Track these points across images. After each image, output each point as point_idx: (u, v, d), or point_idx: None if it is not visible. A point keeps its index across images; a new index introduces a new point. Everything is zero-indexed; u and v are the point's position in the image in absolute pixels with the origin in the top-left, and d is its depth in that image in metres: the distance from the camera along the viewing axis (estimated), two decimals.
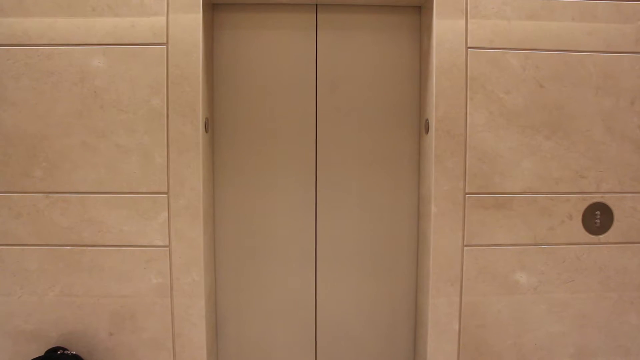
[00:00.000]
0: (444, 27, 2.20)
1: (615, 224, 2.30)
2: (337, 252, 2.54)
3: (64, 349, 2.19)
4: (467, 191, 2.24)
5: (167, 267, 2.22)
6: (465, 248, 2.27)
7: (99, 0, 2.13)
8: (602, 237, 2.30)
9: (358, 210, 2.53)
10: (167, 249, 2.21)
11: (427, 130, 2.33)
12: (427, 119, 2.33)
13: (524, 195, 2.27)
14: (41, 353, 2.20)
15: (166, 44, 2.15)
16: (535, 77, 2.23)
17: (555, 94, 2.24)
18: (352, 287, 2.56)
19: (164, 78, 2.16)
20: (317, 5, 2.49)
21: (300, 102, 2.42)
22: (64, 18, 2.14)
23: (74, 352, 2.20)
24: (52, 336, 2.24)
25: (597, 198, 2.29)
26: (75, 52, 2.15)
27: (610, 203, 2.29)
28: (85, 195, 2.19)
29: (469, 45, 2.20)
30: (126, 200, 2.19)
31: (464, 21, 2.19)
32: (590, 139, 2.27)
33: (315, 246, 2.55)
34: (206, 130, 2.28)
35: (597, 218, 2.29)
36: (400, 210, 2.53)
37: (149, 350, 2.26)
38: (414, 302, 2.57)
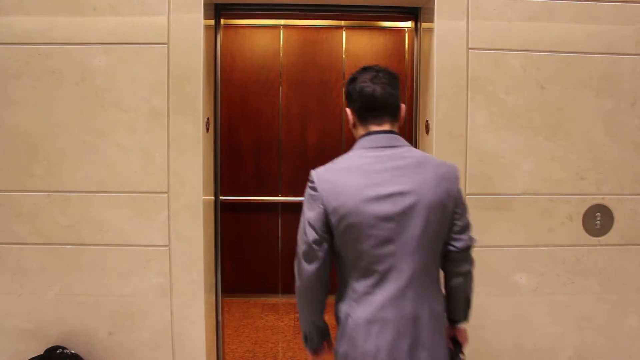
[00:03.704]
0: (445, 28, 2.20)
1: (616, 225, 2.29)
2: None
3: (63, 347, 2.19)
4: (467, 192, 2.24)
5: (167, 267, 2.22)
6: None
7: None
8: (602, 239, 2.30)
9: None
10: (167, 248, 2.21)
11: (427, 130, 2.33)
12: (427, 120, 2.33)
13: (524, 197, 2.27)
14: (40, 352, 2.20)
15: (167, 43, 2.15)
16: (536, 78, 2.23)
17: (555, 95, 2.24)
18: None
19: (165, 78, 2.16)
20: (317, 7, 2.49)
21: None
22: (65, 17, 2.14)
23: (73, 351, 2.20)
24: (51, 335, 2.24)
25: (597, 200, 2.29)
26: (76, 51, 2.15)
27: (610, 205, 2.29)
28: (86, 194, 2.19)
29: (470, 46, 2.20)
30: (126, 199, 2.19)
31: (465, 22, 2.19)
32: (591, 140, 2.27)
33: None
34: (207, 130, 2.29)
35: (597, 220, 2.29)
36: None
37: (148, 350, 2.25)
38: None
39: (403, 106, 1.50)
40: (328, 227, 1.38)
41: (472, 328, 2.29)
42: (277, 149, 4.07)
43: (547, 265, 2.30)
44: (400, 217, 1.35)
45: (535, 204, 2.27)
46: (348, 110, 1.49)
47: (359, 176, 1.37)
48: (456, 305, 1.53)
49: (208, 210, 2.34)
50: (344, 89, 1.51)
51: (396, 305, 1.36)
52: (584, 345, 2.35)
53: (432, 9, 2.22)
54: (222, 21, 2.49)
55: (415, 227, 1.36)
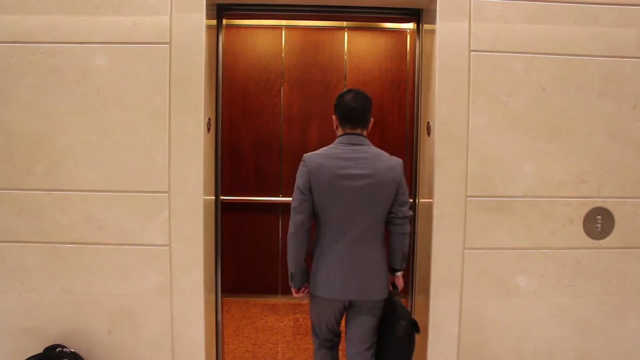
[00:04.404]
0: (447, 29, 2.20)
1: (617, 228, 2.29)
2: None
3: (62, 346, 2.19)
4: (468, 194, 2.24)
5: (167, 266, 2.22)
6: (465, 251, 2.26)
7: None
8: (603, 242, 2.30)
9: None
10: (168, 248, 2.21)
11: (429, 132, 2.33)
12: (428, 122, 2.33)
13: (525, 199, 2.26)
14: (40, 350, 2.20)
15: (169, 43, 2.15)
16: (537, 80, 2.23)
17: (557, 97, 2.24)
18: None
19: (167, 77, 2.16)
20: (319, 7, 2.49)
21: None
22: (67, 16, 2.14)
23: (72, 350, 2.19)
24: (51, 334, 2.24)
25: (598, 202, 2.28)
26: (78, 50, 2.15)
27: (611, 207, 2.28)
28: (86, 193, 2.19)
29: (471, 48, 2.20)
30: (127, 198, 2.19)
31: (467, 24, 2.19)
32: (592, 142, 2.26)
33: None
34: (208, 130, 2.29)
35: (598, 222, 2.29)
36: None
37: (148, 349, 2.25)
38: None
39: (372, 119, 2.14)
40: (311, 192, 2.03)
41: (472, 330, 2.30)
42: (278, 149, 4.07)
43: (547, 267, 2.30)
44: (359, 191, 2.01)
45: (536, 206, 2.27)
46: (334, 117, 2.14)
47: (334, 161, 2.03)
48: (395, 257, 2.15)
49: (208, 210, 2.34)
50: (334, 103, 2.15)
51: (351, 249, 2.03)
52: (584, 348, 2.34)
53: (434, 11, 2.22)
54: (224, 21, 2.49)
55: (368, 198, 2.02)
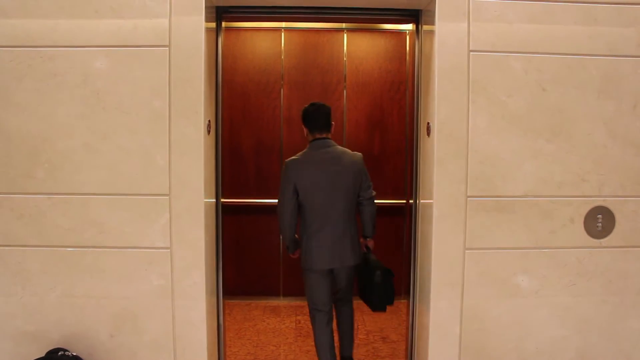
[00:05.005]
0: (446, 30, 2.20)
1: (617, 227, 2.29)
2: None
3: (64, 350, 2.19)
4: (468, 194, 2.24)
5: (168, 269, 2.22)
6: (466, 251, 2.26)
7: (102, 2, 2.14)
8: (603, 241, 2.30)
9: None
10: (169, 250, 2.21)
11: (428, 133, 2.33)
12: (428, 122, 2.33)
13: (525, 199, 2.26)
14: (42, 354, 2.20)
15: (169, 46, 2.15)
16: (537, 80, 2.23)
17: (557, 97, 2.24)
18: None
19: (166, 80, 2.17)
20: (318, 9, 2.49)
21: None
22: (67, 20, 2.14)
23: (74, 354, 2.19)
24: (53, 337, 2.24)
25: (599, 202, 2.28)
26: (77, 54, 2.15)
27: (612, 207, 2.28)
28: (87, 196, 2.19)
29: (471, 48, 2.20)
30: (128, 201, 2.20)
31: (466, 24, 2.19)
32: (592, 142, 2.26)
33: None
34: (208, 132, 2.29)
35: (599, 222, 2.28)
36: None
37: (149, 352, 2.25)
38: None
39: (333, 123, 2.74)
40: (295, 192, 2.61)
41: (473, 330, 2.30)
42: (279, 151, 4.08)
43: (548, 267, 2.30)
44: (333, 185, 2.61)
45: (536, 206, 2.27)
46: (304, 127, 2.73)
47: (310, 164, 2.63)
48: (366, 227, 2.83)
49: (209, 212, 2.34)
50: (302, 115, 2.73)
51: (331, 232, 2.64)
52: (585, 348, 2.34)
53: (433, 11, 2.22)
54: (224, 24, 2.49)
55: (339, 189, 2.62)
